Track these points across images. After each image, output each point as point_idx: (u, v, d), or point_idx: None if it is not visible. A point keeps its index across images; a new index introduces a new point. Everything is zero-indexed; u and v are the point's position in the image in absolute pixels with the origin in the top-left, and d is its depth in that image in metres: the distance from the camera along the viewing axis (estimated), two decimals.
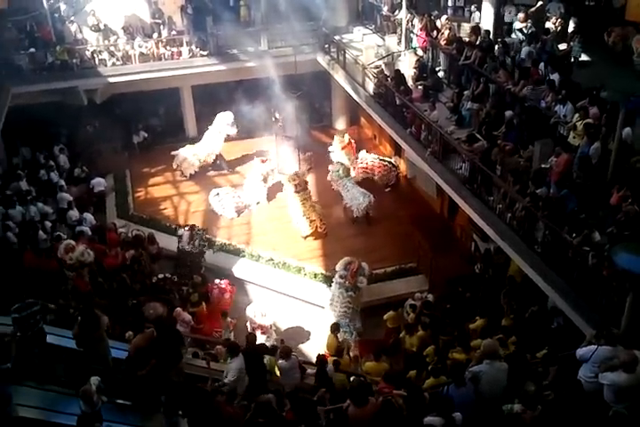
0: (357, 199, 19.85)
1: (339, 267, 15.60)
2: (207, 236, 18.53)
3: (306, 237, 19.52)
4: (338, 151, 22.18)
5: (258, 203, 21.21)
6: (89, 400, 8.58)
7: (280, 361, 11.13)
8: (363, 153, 22.35)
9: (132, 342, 10.34)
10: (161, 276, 15.88)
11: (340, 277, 15.41)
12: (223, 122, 22.67)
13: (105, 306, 13.37)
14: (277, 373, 12.52)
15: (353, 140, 22.68)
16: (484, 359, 8.33)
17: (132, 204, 22.07)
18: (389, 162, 22.19)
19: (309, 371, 11.57)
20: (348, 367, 12.19)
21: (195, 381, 10.49)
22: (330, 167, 21.29)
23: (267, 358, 12.94)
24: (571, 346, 9.22)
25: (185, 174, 23.24)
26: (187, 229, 18.04)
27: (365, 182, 21.46)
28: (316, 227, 19.56)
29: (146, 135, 25.36)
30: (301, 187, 19.30)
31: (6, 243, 16.37)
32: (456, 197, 14.68)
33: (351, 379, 10.66)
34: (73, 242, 14.99)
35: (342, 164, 21.22)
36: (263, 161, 21.45)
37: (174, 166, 23.14)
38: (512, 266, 14.31)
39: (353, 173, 21.52)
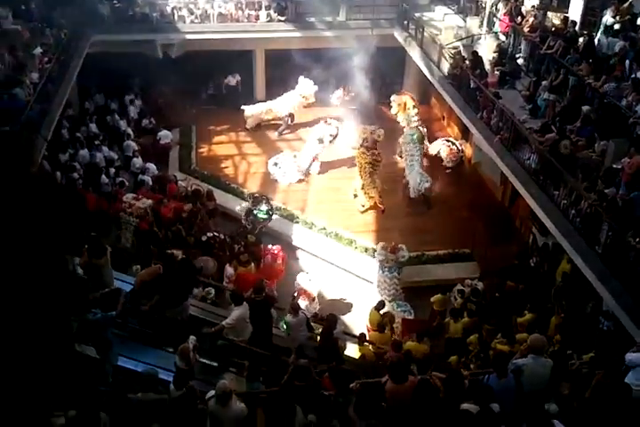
0: (416, 179, 19.68)
1: (377, 252, 15.71)
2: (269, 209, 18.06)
3: (363, 212, 19.49)
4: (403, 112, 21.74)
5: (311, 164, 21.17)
6: (185, 358, 9.02)
7: (288, 316, 11.28)
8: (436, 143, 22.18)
9: (137, 276, 10.63)
10: (210, 234, 16.05)
11: (382, 260, 15.45)
12: (305, 87, 22.69)
13: (155, 254, 13.82)
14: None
15: (407, 101, 21.83)
16: (530, 353, 8.28)
17: (195, 159, 22.41)
18: (454, 144, 21.99)
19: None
20: (388, 342, 12.23)
21: (198, 322, 10.83)
22: (405, 130, 21.16)
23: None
24: (619, 351, 9.12)
25: (247, 126, 23.63)
26: (247, 203, 17.80)
27: (431, 160, 21.38)
28: (375, 203, 19.47)
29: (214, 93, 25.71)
30: (368, 144, 19.07)
31: (72, 183, 16.88)
32: (520, 188, 14.44)
33: (387, 355, 10.67)
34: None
35: (419, 129, 21.01)
36: (327, 123, 21.22)
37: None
38: (562, 264, 14.11)
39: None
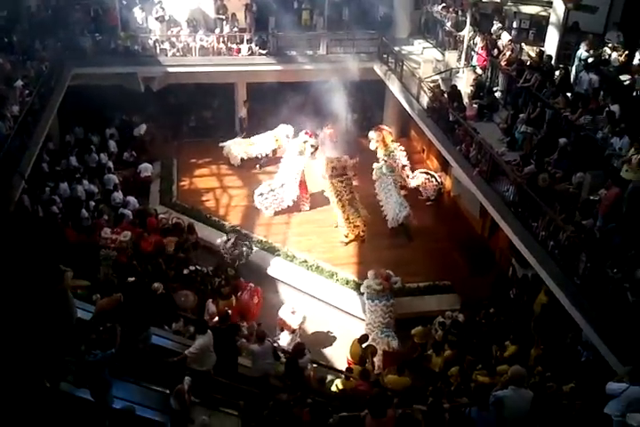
0: (394, 209, 19.74)
1: (370, 280, 15.65)
2: (250, 243, 18.27)
3: (346, 243, 19.46)
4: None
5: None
6: (181, 399, 8.92)
7: (252, 345, 11.18)
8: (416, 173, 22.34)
9: (97, 304, 10.47)
10: (192, 268, 15.95)
11: (378, 284, 15.41)
12: (282, 133, 22.87)
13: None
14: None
15: (386, 136, 22.30)
16: (510, 385, 8.25)
17: (176, 192, 22.40)
18: (433, 176, 22.17)
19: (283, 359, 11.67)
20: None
21: (161, 352, 10.64)
22: (374, 165, 21.30)
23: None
24: (599, 381, 9.10)
25: (232, 163, 23.66)
26: (232, 235, 17.80)
27: (409, 194, 21.45)
28: (358, 233, 19.46)
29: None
30: (337, 171, 19.00)
31: (52, 217, 16.75)
32: (499, 220, 14.55)
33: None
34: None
35: (386, 160, 21.18)
36: (310, 134, 20.98)
37: (224, 154, 23.51)
38: (540, 296, 14.13)
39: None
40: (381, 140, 21.86)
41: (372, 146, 22.06)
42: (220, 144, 23.63)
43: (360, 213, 19.49)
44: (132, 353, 9.65)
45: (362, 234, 19.46)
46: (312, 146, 20.76)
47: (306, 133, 20.98)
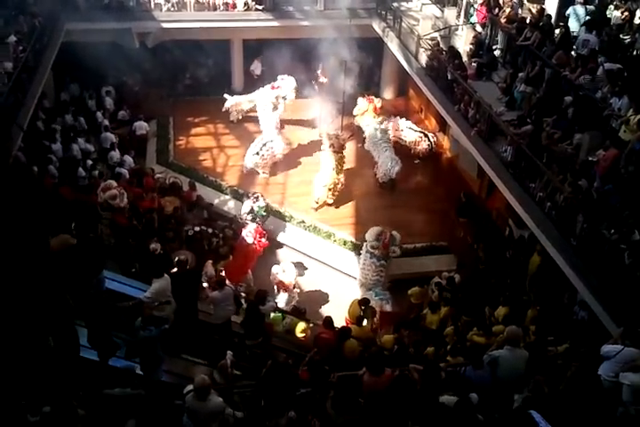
0: (386, 164, 19.91)
1: (369, 237, 15.58)
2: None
3: (316, 209, 19.41)
4: (361, 116, 22.22)
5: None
6: (224, 373, 9.12)
7: (213, 292, 11.21)
8: (402, 121, 22.34)
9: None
10: (197, 229, 15.89)
11: (372, 247, 15.44)
12: (287, 85, 22.09)
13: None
14: (298, 333, 12.78)
15: (376, 105, 22.47)
16: (506, 345, 8.38)
17: (173, 151, 22.23)
18: (422, 132, 22.08)
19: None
20: (367, 335, 12.30)
21: (116, 298, 10.67)
22: (367, 128, 21.48)
23: (289, 319, 13.25)
24: (593, 342, 9.25)
25: (231, 118, 23.34)
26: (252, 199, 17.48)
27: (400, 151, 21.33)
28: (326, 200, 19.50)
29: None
30: (335, 148, 19.07)
31: (47, 176, 16.65)
32: (496, 180, 14.55)
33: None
34: (114, 184, 14.99)
35: (381, 124, 21.35)
36: (274, 87, 21.05)
37: (223, 110, 23.14)
38: (534, 257, 14.20)
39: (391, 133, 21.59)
40: (363, 111, 22.13)
41: (355, 112, 22.27)
42: (226, 95, 23.08)
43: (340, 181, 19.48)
44: (83, 298, 9.61)
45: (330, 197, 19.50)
46: (283, 98, 21.02)
47: (272, 88, 21.04)
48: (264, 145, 20.50)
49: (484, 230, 17.42)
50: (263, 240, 16.26)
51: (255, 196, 17.22)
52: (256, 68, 25.37)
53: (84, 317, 9.82)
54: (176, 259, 11.54)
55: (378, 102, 22.63)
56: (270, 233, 17.57)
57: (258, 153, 20.47)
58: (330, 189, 19.21)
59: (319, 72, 24.08)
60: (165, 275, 10.41)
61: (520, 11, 18.99)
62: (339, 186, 19.37)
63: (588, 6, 17.00)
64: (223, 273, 14.15)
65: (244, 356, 11.28)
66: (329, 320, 10.94)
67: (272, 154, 20.67)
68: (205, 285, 13.00)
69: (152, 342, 9.38)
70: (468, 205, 18.45)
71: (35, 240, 10.43)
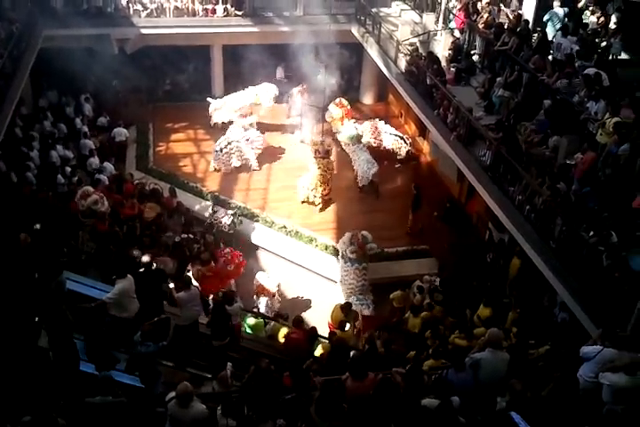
0: (363, 167, 20.18)
1: (344, 245, 15.77)
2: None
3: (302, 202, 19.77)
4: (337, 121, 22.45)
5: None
6: (224, 384, 9.04)
7: (179, 293, 11.11)
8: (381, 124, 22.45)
9: None
10: (184, 236, 15.83)
11: (351, 252, 15.50)
12: (266, 92, 22.22)
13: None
14: (280, 338, 12.73)
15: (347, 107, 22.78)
16: (487, 347, 8.42)
17: (153, 157, 22.15)
18: (400, 137, 22.14)
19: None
20: (350, 341, 12.33)
21: (77, 299, 10.59)
22: (341, 134, 21.78)
23: (271, 324, 13.21)
24: (573, 343, 9.33)
25: (211, 123, 23.18)
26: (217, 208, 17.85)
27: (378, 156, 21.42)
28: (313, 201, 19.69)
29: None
30: (321, 154, 19.13)
31: (26, 183, 16.55)
32: (476, 184, 14.63)
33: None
34: (91, 189, 14.92)
35: (355, 129, 21.63)
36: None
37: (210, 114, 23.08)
38: (513, 260, 14.33)
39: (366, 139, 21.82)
40: (342, 114, 22.40)
41: (328, 118, 22.23)
42: (209, 100, 23.01)
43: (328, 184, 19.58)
44: (44, 300, 9.55)
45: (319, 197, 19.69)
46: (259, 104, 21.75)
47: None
48: (229, 144, 20.79)
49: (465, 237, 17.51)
50: (240, 259, 16.17)
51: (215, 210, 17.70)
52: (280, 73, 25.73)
53: (82, 330, 9.83)
54: (140, 260, 11.42)
55: (347, 104, 22.83)
56: (240, 234, 17.86)
57: (221, 150, 20.72)
58: (312, 190, 19.33)
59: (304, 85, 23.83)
60: (129, 275, 10.38)
61: (497, 16, 19.16)
62: (321, 189, 19.41)
63: (565, 8, 17.18)
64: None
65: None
66: (299, 320, 10.95)
67: (239, 150, 20.97)
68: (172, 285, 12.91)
69: (150, 358, 9.37)
70: (453, 211, 18.46)
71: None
